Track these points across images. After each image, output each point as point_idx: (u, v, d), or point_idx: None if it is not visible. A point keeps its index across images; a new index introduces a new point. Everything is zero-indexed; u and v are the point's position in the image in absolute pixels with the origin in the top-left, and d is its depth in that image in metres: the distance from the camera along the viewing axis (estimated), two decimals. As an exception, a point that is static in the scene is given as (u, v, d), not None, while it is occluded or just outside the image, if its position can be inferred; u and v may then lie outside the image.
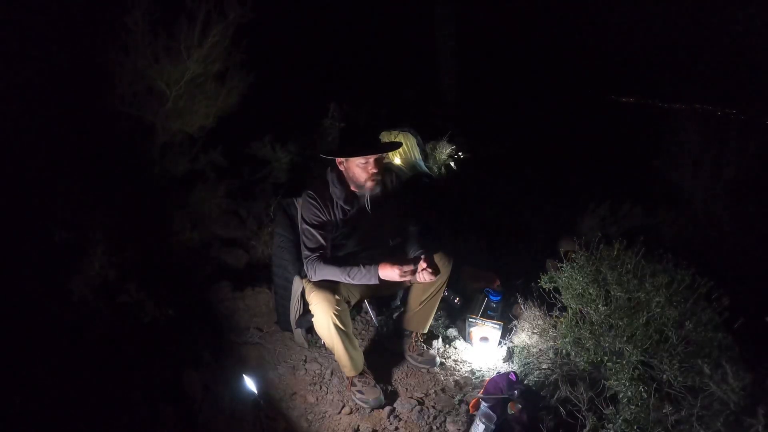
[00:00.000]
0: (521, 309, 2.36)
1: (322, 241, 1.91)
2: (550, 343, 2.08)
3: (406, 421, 1.92)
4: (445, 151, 5.21)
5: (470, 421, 1.87)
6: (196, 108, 2.81)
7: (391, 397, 2.05)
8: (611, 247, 1.91)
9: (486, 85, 8.51)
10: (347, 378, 2.03)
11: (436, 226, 3.70)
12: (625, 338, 1.67)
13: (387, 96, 6.34)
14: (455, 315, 2.59)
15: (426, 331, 2.28)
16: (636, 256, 1.82)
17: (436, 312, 2.28)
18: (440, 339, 2.39)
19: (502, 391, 1.83)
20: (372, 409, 1.97)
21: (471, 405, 1.95)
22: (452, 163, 5.34)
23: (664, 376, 1.55)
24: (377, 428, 1.89)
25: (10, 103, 2.27)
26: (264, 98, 3.43)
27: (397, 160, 4.87)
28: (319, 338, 2.02)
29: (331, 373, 2.16)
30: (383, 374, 2.17)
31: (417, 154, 5.02)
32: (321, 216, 1.91)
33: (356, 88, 5.96)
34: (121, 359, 1.97)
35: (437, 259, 2.03)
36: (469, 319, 2.35)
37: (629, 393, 1.55)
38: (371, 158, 1.84)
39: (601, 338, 1.75)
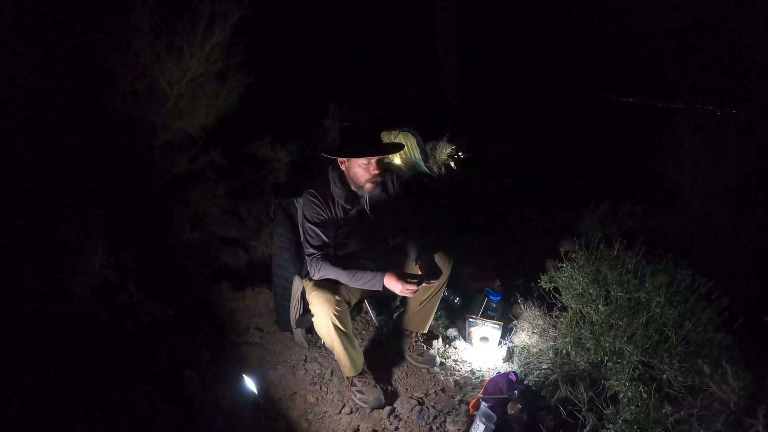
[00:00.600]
0: (521, 309, 2.36)
1: (325, 239, 1.91)
2: (550, 343, 2.08)
3: (406, 421, 1.92)
4: (445, 151, 5.22)
5: (470, 421, 1.87)
6: (196, 108, 2.81)
7: (391, 397, 2.05)
8: (611, 247, 1.91)
9: (486, 84, 8.51)
10: (347, 378, 2.03)
11: (436, 226, 3.70)
12: (625, 338, 1.67)
13: (387, 96, 6.34)
14: (455, 315, 2.59)
15: (426, 331, 2.28)
16: (636, 256, 1.82)
17: (436, 312, 2.28)
18: (440, 339, 2.39)
19: (502, 391, 1.83)
20: (372, 409, 1.97)
21: (471, 405, 1.95)
22: (452, 163, 5.34)
23: (664, 376, 1.55)
24: (377, 428, 1.89)
25: (10, 103, 2.27)
26: (264, 98, 3.43)
27: (397, 160, 4.88)
28: (319, 338, 2.02)
29: (331, 373, 2.16)
30: (383, 374, 2.17)
31: (417, 154, 5.03)
32: (323, 214, 1.91)
33: (356, 88, 5.96)
34: (120, 359, 1.97)
35: (437, 259, 2.03)
36: (469, 319, 2.35)
37: (629, 393, 1.56)
38: (373, 159, 1.84)
39: (601, 338, 1.75)
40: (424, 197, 4.42)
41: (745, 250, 3.05)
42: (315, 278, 1.91)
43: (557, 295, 2.02)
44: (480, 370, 2.24)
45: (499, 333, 2.31)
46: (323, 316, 1.81)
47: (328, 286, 1.87)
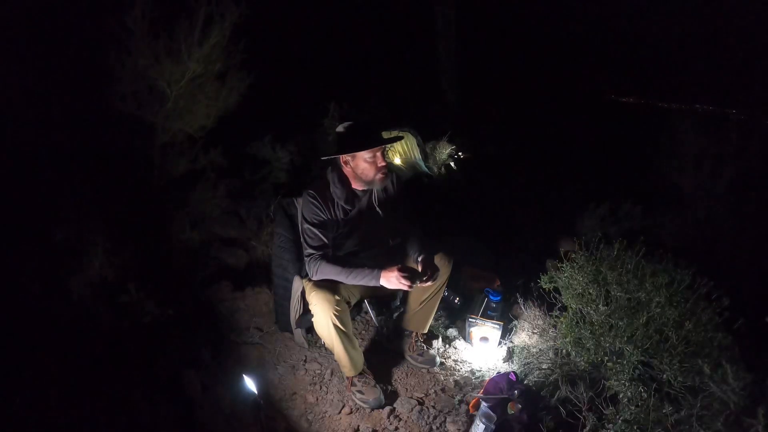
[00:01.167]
0: (521, 309, 2.36)
1: (324, 239, 1.91)
2: (550, 343, 2.08)
3: (406, 421, 1.92)
4: (445, 151, 5.22)
5: (470, 421, 1.87)
6: (196, 108, 2.80)
7: (391, 397, 2.05)
8: (611, 247, 1.91)
9: (486, 84, 8.52)
10: (347, 378, 2.03)
11: (436, 226, 3.70)
12: (625, 338, 1.67)
13: (387, 96, 6.34)
14: (455, 315, 2.59)
15: (426, 331, 2.28)
16: (636, 256, 1.82)
17: (436, 312, 2.28)
18: (440, 339, 2.39)
19: (502, 391, 1.83)
20: (372, 409, 1.97)
21: (471, 405, 1.95)
22: (452, 163, 5.34)
23: (664, 376, 1.55)
24: (377, 428, 1.89)
25: (10, 103, 2.27)
26: (264, 98, 3.43)
27: (397, 160, 4.88)
28: (319, 338, 2.02)
29: (331, 373, 2.16)
30: (383, 374, 2.17)
31: (417, 154, 5.03)
32: (322, 215, 1.91)
33: (356, 88, 5.96)
34: (121, 359, 1.97)
35: (437, 259, 2.03)
36: (469, 319, 2.35)
37: (629, 393, 1.56)
38: (378, 152, 1.85)
39: (601, 338, 1.75)
40: (424, 197, 4.42)
41: (745, 250, 3.05)
42: (314, 279, 1.91)
43: (557, 295, 2.02)
44: (480, 370, 2.24)
45: (499, 333, 2.31)
46: (323, 316, 1.81)
47: (328, 286, 1.87)
